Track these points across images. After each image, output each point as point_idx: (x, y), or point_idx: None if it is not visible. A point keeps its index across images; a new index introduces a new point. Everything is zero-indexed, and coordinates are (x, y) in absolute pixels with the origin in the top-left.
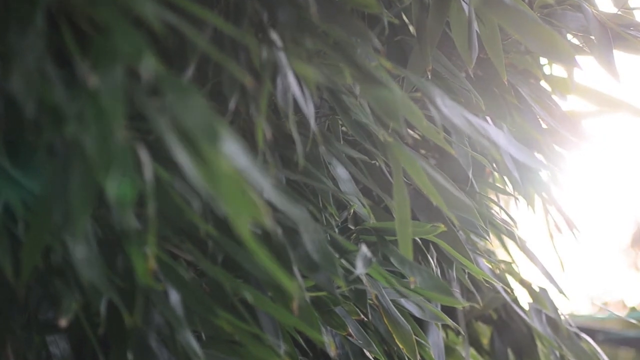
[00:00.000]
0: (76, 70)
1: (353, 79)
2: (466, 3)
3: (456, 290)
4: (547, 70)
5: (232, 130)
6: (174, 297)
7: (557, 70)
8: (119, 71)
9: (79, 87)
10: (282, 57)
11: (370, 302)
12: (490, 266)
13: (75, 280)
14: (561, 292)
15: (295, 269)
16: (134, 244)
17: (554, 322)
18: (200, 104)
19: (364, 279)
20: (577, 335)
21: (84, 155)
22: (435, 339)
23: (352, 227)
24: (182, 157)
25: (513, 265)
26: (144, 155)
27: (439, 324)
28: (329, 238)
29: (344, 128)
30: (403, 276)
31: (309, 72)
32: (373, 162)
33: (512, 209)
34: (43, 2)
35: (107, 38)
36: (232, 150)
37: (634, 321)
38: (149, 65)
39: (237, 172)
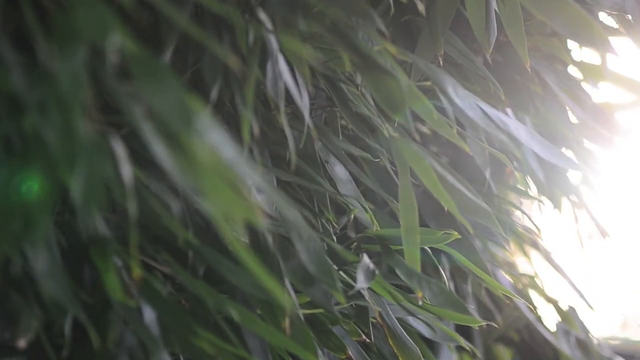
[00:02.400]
0: (38, 53)
1: (353, 66)
2: None
3: (472, 307)
4: (576, 55)
5: (214, 116)
6: (149, 314)
7: (588, 55)
8: (81, 52)
9: (40, 72)
10: (272, 40)
11: (373, 320)
12: (511, 280)
13: (35, 296)
14: (593, 310)
15: (288, 283)
16: (103, 254)
17: (584, 345)
18: (174, 85)
19: (366, 294)
20: None
21: (45, 150)
22: None
23: (353, 235)
24: (158, 148)
25: (537, 279)
26: (119, 149)
27: (452, 345)
28: (326, 247)
29: (343, 121)
30: (411, 291)
31: (303, 57)
32: (376, 160)
33: (536, 214)
34: None
35: (67, 13)
36: (216, 139)
37: None
38: (115, 42)
39: (222, 164)
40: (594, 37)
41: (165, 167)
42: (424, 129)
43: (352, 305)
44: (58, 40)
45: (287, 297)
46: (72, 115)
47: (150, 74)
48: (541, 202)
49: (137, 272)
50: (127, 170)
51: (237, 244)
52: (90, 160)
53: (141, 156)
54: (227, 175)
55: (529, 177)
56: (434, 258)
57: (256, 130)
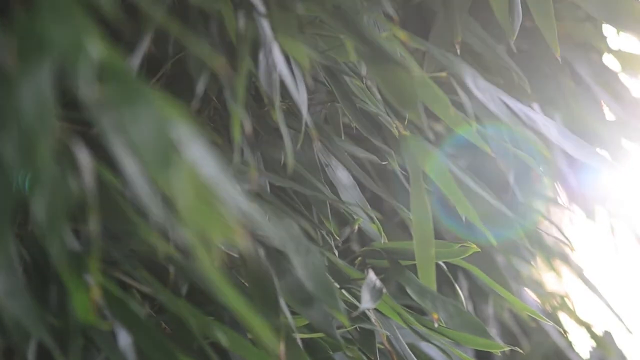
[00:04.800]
0: None
1: (358, 55)
2: None
3: (493, 331)
4: (613, 42)
5: (199, 125)
6: (124, 339)
7: (627, 42)
8: (46, 67)
9: None
10: (265, 26)
11: (381, 346)
12: (538, 300)
13: None
14: (632, 335)
15: (283, 303)
16: (72, 271)
17: None
18: (152, 108)
19: (372, 315)
20: None
21: (4, 162)
22: None
23: (357, 249)
24: (130, 167)
25: (568, 299)
26: (83, 155)
27: None
28: (326, 262)
29: (346, 119)
30: (423, 312)
31: (300, 46)
32: (384, 163)
33: (567, 225)
34: None
35: (33, 18)
36: (195, 157)
37: None
38: (91, 58)
39: (203, 184)
40: (634, 22)
41: (137, 188)
42: (439, 127)
43: (356, 328)
44: (22, 45)
45: (282, 319)
46: (33, 139)
47: (127, 93)
48: (572, 211)
49: (96, 291)
50: (89, 181)
51: (214, 272)
52: (54, 178)
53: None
54: (207, 195)
55: (558, 183)
56: (450, 275)
57: (248, 128)
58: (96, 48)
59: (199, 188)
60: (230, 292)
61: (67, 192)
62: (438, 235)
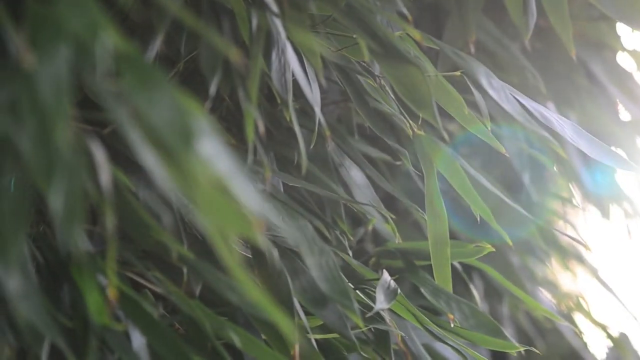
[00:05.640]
0: (8, 45)
1: (371, 54)
2: None
3: (508, 331)
4: (628, 41)
5: (213, 122)
6: (138, 339)
7: None
8: (63, 53)
9: (11, 68)
10: (278, 25)
11: (395, 346)
12: (553, 300)
13: (8, 319)
14: None
15: (297, 303)
16: (85, 272)
17: None
18: (169, 94)
19: (387, 316)
20: None
21: (19, 158)
22: None
23: (371, 249)
24: (148, 157)
25: (583, 299)
26: (99, 154)
27: None
28: (340, 263)
29: (359, 119)
30: (438, 313)
31: (313, 45)
32: (398, 163)
33: (582, 224)
34: None
35: (47, 6)
36: (211, 151)
37: None
38: (106, 44)
39: (218, 179)
40: None
41: (155, 177)
42: (453, 127)
43: (370, 329)
44: (34, 35)
45: (296, 320)
46: (50, 124)
47: (142, 78)
48: (587, 210)
49: (114, 290)
50: (106, 178)
51: (234, 263)
52: (70, 172)
53: (128, 159)
54: (223, 188)
55: (573, 182)
56: (464, 275)
57: (261, 128)
58: (111, 37)
59: (215, 179)
60: (250, 284)
61: (84, 184)
62: (452, 236)
